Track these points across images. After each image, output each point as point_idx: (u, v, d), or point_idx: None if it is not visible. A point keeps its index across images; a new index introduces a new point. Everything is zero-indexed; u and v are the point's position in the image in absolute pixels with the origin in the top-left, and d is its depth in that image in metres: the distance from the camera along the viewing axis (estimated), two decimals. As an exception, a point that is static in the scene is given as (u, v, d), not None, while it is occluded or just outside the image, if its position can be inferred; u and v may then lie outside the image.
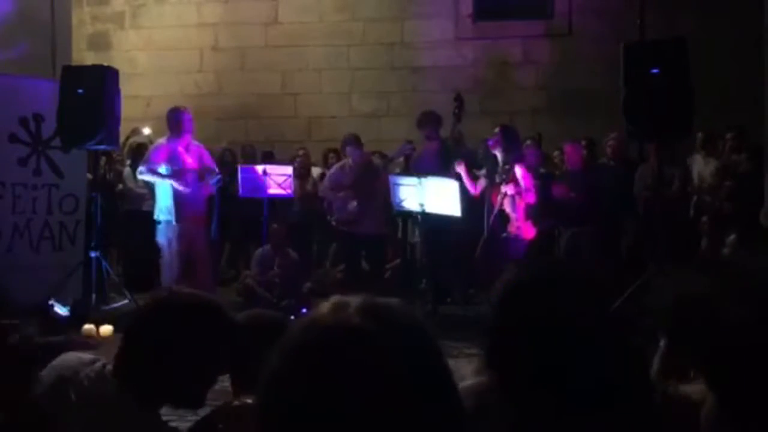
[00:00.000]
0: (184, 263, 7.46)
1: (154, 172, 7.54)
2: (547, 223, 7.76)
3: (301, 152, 9.86)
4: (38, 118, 7.92)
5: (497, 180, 7.19)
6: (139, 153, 9.49)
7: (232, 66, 11.57)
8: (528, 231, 7.09)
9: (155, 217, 7.59)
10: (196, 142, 7.77)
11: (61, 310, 7.16)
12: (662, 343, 1.93)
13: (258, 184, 8.34)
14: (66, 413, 1.94)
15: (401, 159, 8.89)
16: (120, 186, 9.52)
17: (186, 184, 7.45)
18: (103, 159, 8.90)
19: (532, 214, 7.13)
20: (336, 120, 11.06)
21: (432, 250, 7.78)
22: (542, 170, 8.46)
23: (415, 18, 11.12)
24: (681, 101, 6.27)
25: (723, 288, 1.41)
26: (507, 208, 7.10)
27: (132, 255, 9.46)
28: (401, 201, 7.32)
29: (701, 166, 8.40)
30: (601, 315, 1.49)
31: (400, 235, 8.33)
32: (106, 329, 6.59)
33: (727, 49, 9.51)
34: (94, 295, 7.42)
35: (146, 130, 10.28)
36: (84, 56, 10.97)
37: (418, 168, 7.64)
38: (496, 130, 7.34)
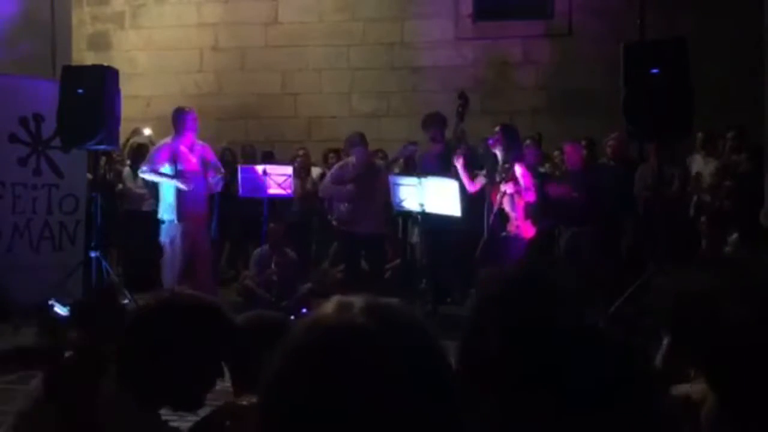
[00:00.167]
0: (187, 263, 7.47)
1: (157, 172, 7.54)
2: (547, 223, 7.76)
3: (301, 152, 9.87)
4: (38, 118, 7.92)
5: (497, 179, 7.19)
6: (140, 153, 9.49)
7: (232, 66, 11.57)
8: (527, 230, 7.09)
9: (159, 216, 7.61)
10: (200, 142, 7.77)
11: (61, 310, 7.16)
12: (665, 342, 1.93)
13: (258, 184, 8.34)
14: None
15: (401, 159, 8.91)
16: (120, 186, 9.52)
17: (187, 183, 7.44)
18: (103, 159, 8.91)
19: (532, 213, 7.13)
20: (336, 120, 11.06)
21: (432, 250, 7.78)
22: (541, 170, 8.47)
23: (415, 18, 11.12)
24: (681, 101, 6.27)
25: (723, 287, 1.41)
26: (506, 207, 7.10)
27: (132, 255, 9.46)
28: (401, 201, 7.32)
29: (701, 166, 8.40)
30: (581, 315, 1.48)
31: (400, 235, 8.33)
32: (106, 329, 6.59)
33: (727, 49, 9.51)
34: (94, 295, 7.43)
35: (147, 131, 10.29)
36: (84, 56, 10.97)
37: (421, 169, 7.65)
38: (497, 129, 7.34)
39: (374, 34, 11.21)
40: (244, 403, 2.03)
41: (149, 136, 10.15)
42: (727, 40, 9.52)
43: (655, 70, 6.33)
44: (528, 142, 8.60)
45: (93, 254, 7.53)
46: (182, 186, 7.42)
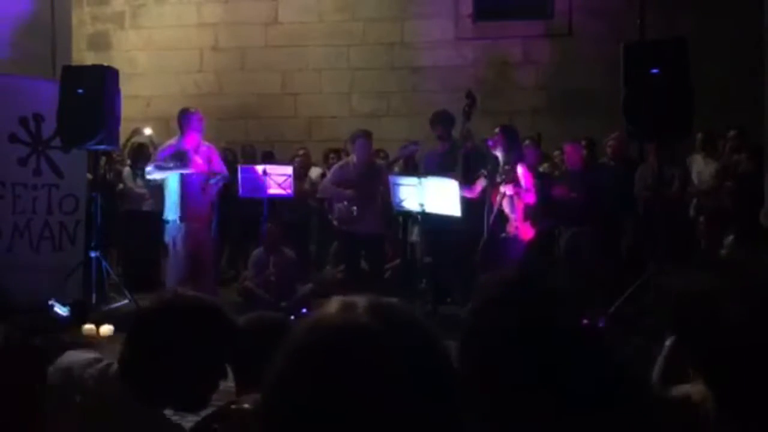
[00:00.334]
0: (191, 263, 7.46)
1: (161, 167, 7.46)
2: (546, 224, 7.76)
3: (301, 152, 9.87)
4: (38, 118, 7.92)
5: (498, 179, 7.19)
6: (140, 153, 9.51)
7: (232, 66, 11.58)
8: (526, 232, 7.09)
9: (164, 216, 7.61)
10: (206, 144, 7.76)
11: (61, 310, 7.16)
12: (667, 342, 1.93)
13: (258, 184, 8.33)
14: (71, 411, 1.95)
15: (401, 159, 8.91)
16: (120, 186, 9.52)
17: (193, 188, 7.40)
18: (103, 159, 8.91)
19: (531, 214, 7.13)
20: (336, 120, 11.07)
21: (432, 250, 7.78)
22: (540, 170, 8.47)
23: (415, 18, 11.13)
24: (681, 101, 6.27)
25: (723, 287, 1.41)
26: (506, 208, 7.10)
27: (132, 255, 9.46)
28: (401, 201, 7.31)
29: (701, 167, 8.40)
30: (581, 315, 1.48)
31: (400, 235, 8.33)
32: (106, 329, 6.59)
33: (727, 49, 9.51)
34: (94, 295, 7.42)
35: (147, 131, 10.30)
36: (84, 56, 10.98)
37: (424, 167, 7.66)
38: (496, 130, 7.34)
39: (374, 34, 11.21)
40: (245, 406, 2.04)
41: (149, 136, 10.16)
42: (727, 40, 9.52)
43: (655, 70, 6.33)
44: (527, 142, 8.60)
45: (93, 254, 7.53)
46: (187, 170, 7.32)
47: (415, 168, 8.38)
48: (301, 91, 11.43)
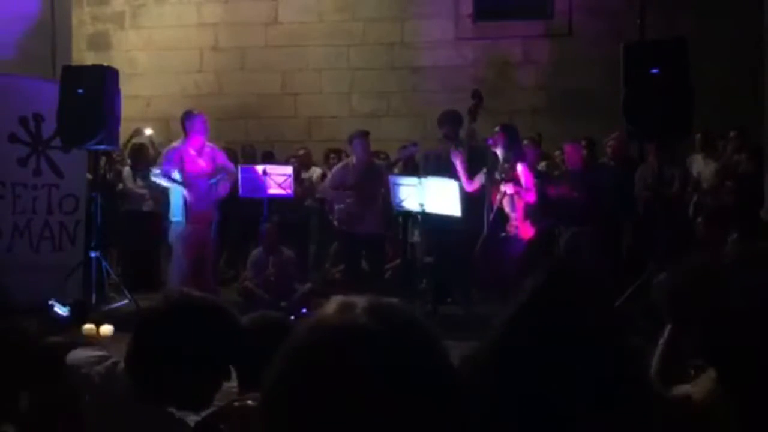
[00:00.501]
0: (194, 263, 7.49)
1: (168, 177, 7.62)
2: (546, 223, 7.76)
3: (301, 152, 9.86)
4: (38, 118, 7.92)
5: (498, 178, 7.19)
6: (140, 153, 9.51)
7: (232, 66, 11.58)
8: (526, 231, 7.09)
9: (169, 217, 7.65)
10: (210, 144, 7.82)
11: (61, 310, 7.16)
12: (663, 336, 1.93)
13: (258, 184, 8.34)
14: (80, 408, 1.97)
15: (401, 161, 8.91)
16: (120, 186, 9.51)
17: (196, 190, 7.50)
18: (103, 159, 8.90)
19: (531, 213, 7.13)
20: (336, 120, 11.07)
21: (432, 250, 7.78)
22: (539, 169, 8.47)
23: (415, 18, 11.12)
24: (681, 101, 6.27)
25: (722, 263, 1.42)
26: (506, 207, 7.10)
27: (132, 255, 9.46)
28: (401, 201, 7.32)
29: (701, 167, 8.40)
30: (602, 316, 1.49)
31: (400, 235, 8.33)
32: (106, 329, 6.59)
33: (727, 49, 9.51)
34: (94, 295, 7.43)
35: (147, 131, 10.29)
36: (84, 56, 10.98)
37: (425, 166, 7.66)
38: (497, 129, 7.34)
39: (374, 34, 11.21)
40: (249, 402, 2.05)
41: (150, 136, 10.15)
42: (727, 40, 9.52)
43: (655, 70, 6.33)
44: (526, 142, 8.60)
45: (93, 254, 7.54)
46: (188, 196, 7.51)
47: (415, 168, 8.38)
48: (301, 91, 11.43)
